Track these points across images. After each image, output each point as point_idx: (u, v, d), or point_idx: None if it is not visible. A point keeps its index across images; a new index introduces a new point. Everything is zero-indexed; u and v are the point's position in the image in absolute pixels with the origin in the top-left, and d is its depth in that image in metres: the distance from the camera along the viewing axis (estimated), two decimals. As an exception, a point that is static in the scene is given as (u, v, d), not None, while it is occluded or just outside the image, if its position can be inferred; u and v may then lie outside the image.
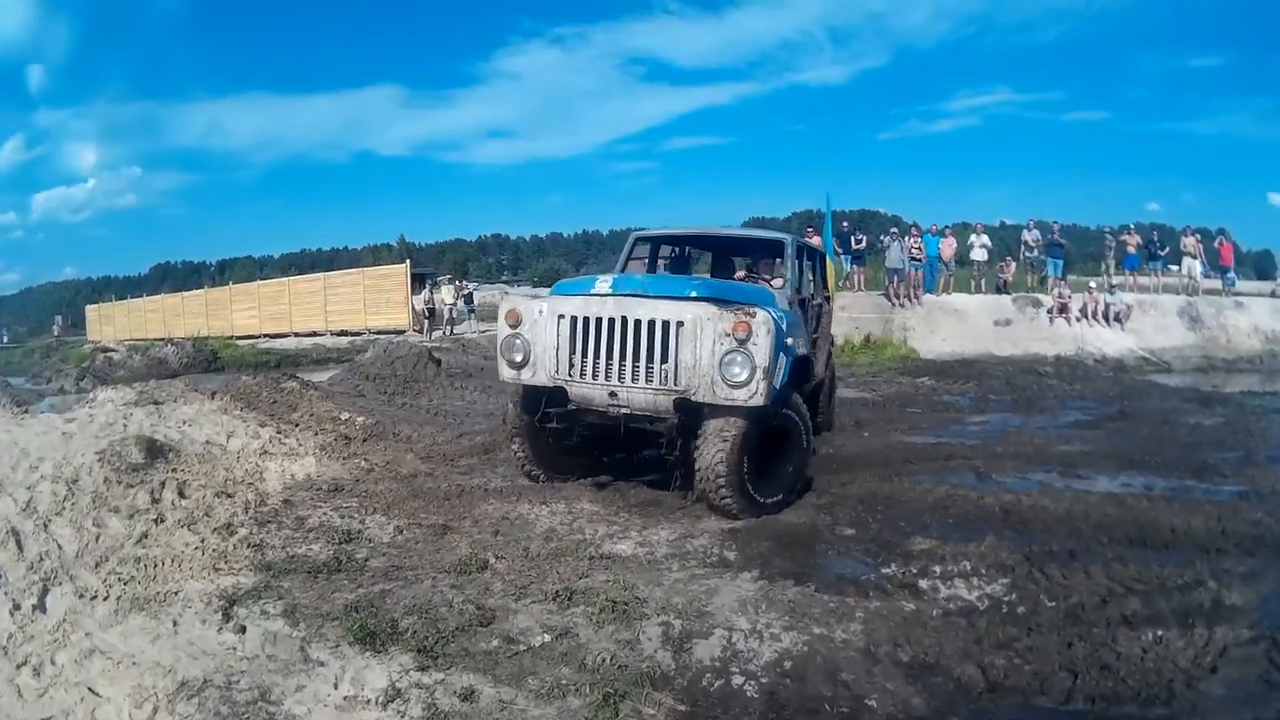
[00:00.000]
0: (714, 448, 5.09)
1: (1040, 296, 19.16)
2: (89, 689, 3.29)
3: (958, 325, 17.94)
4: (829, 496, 6.00)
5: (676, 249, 7.87)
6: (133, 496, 5.31)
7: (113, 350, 23.27)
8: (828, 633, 3.71)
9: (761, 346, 4.96)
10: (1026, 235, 20.70)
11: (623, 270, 6.86)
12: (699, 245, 8.23)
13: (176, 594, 4.07)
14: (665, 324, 5.13)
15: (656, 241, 7.69)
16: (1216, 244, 21.21)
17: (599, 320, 5.28)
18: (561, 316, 5.40)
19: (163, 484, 5.50)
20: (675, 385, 5.13)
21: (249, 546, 4.70)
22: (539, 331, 5.48)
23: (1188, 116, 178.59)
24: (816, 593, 4.11)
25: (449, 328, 21.65)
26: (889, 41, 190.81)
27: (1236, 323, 19.07)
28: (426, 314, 21.71)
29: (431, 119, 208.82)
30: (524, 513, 5.48)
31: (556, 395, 5.57)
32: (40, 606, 3.99)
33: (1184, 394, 12.28)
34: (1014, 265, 20.74)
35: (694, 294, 5.39)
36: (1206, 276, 20.69)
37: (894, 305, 18.10)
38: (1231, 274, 21.40)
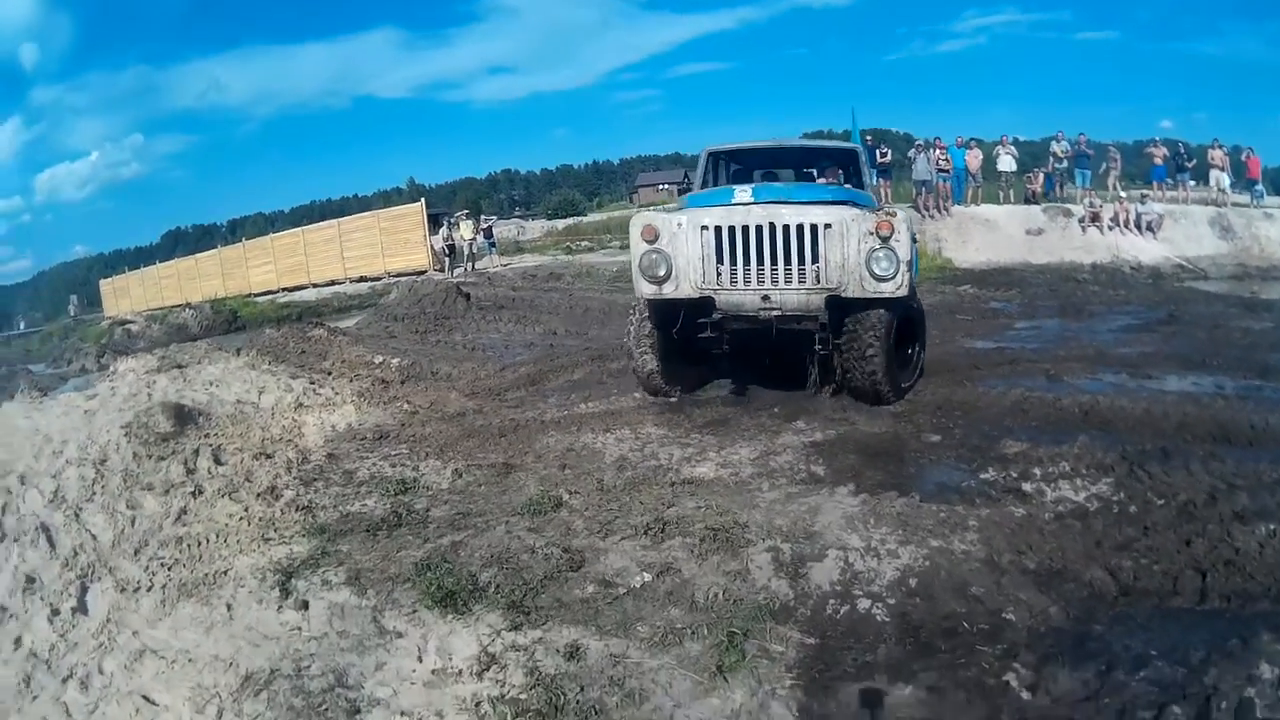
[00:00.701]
0: (869, 338, 5.46)
1: (1071, 207, 18.62)
2: (144, 697, 2.93)
3: (989, 235, 17.55)
4: (904, 404, 5.86)
5: (738, 163, 7.66)
6: (166, 470, 4.92)
7: (131, 322, 22.65)
8: (945, 545, 3.54)
9: (904, 243, 5.29)
10: (1055, 146, 20.03)
11: (703, 185, 6.86)
12: (770, 159, 8.06)
13: (226, 573, 3.68)
14: (814, 227, 5.34)
15: (728, 156, 7.51)
16: (1244, 157, 20.50)
17: (746, 228, 5.41)
18: (705, 228, 5.47)
19: (196, 452, 5.13)
20: (827, 284, 5.38)
21: (298, 510, 4.33)
22: (679, 244, 5.52)
23: (1196, 37, 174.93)
24: (922, 503, 3.95)
25: (470, 264, 21.04)
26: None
27: (1268, 233, 18.45)
28: (447, 251, 21.09)
29: (431, 59, 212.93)
30: (588, 443, 5.25)
31: (699, 306, 5.64)
32: (80, 608, 3.60)
33: (1228, 300, 11.97)
34: (1042, 176, 20.16)
35: (830, 199, 5.70)
36: (1233, 189, 20.03)
37: (924, 217, 17.64)
38: (1259, 186, 20.67)
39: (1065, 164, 19.63)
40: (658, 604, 3.17)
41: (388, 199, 73.06)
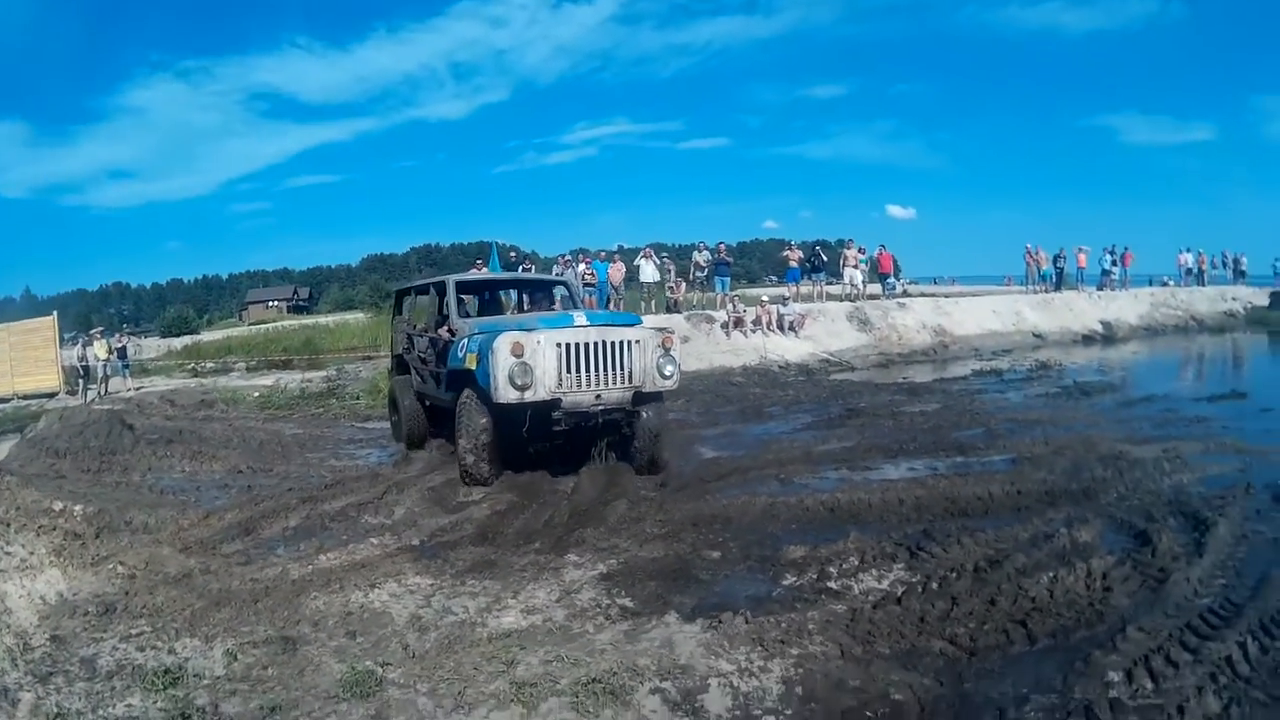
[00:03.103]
0: (655, 421, 8.76)
1: (712, 313, 21.93)
2: None
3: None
4: (659, 525, 6.72)
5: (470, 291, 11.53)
6: None
7: None
8: (804, 650, 4.26)
9: (676, 351, 8.74)
10: (697, 256, 24.28)
11: (459, 309, 10.12)
12: (502, 287, 12.91)
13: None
14: (631, 342, 8.41)
15: (469, 284, 11.52)
16: (876, 254, 26.70)
17: (588, 344, 8.20)
18: (559, 344, 8.07)
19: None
20: (635, 383, 8.38)
21: None
22: (539, 358, 7.98)
23: (805, 140, 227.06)
24: (756, 618, 4.62)
25: (104, 386, 22.40)
26: (510, 77, 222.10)
27: (904, 321, 23.68)
28: (81, 372, 22.20)
29: (53, 158, 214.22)
30: (362, 601, 5.33)
31: (545, 406, 8.11)
32: None
33: (888, 389, 15.04)
34: (684, 285, 24.09)
35: (628, 322, 9.25)
36: (867, 283, 25.80)
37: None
38: (891, 279, 27.23)
39: (706, 272, 23.58)
40: (576, 774, 3.31)
41: (1, 310, 71.48)
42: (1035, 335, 24.20)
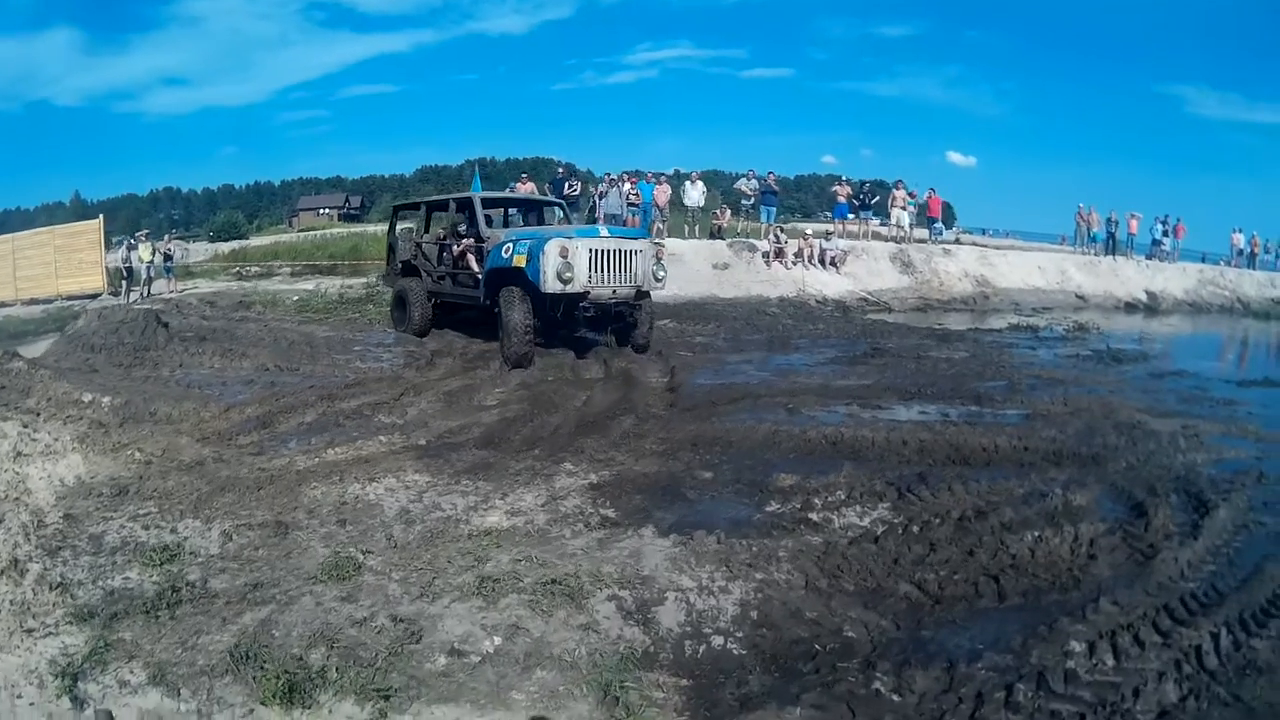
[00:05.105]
0: (649, 313, 11.40)
1: (755, 241, 21.57)
2: None
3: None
4: (659, 442, 6.69)
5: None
6: None
7: None
8: (768, 576, 4.20)
9: (664, 259, 11.43)
10: (744, 185, 23.82)
11: (486, 220, 12.15)
12: (510, 205, 15.04)
13: (-10, 679, 3.38)
14: (639, 251, 10.84)
15: (489, 201, 13.32)
16: (925, 197, 25.91)
17: (607, 250, 10.44)
18: (590, 249, 10.25)
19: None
20: (638, 283, 10.74)
21: (52, 588, 4.16)
22: (576, 259, 10.07)
23: (870, 78, 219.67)
24: (729, 539, 4.57)
25: (147, 288, 22.44)
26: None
27: (947, 268, 23.16)
28: (124, 274, 22.31)
29: (108, 66, 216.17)
30: (358, 493, 5.48)
31: (577, 296, 10.28)
32: None
33: (920, 332, 14.78)
34: (729, 212, 23.73)
35: (640, 236, 12.16)
36: (914, 226, 25.16)
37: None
38: (939, 224, 26.39)
39: (753, 200, 23.07)
40: (521, 668, 3.40)
41: (51, 214, 73.31)
42: (1078, 296, 23.47)
